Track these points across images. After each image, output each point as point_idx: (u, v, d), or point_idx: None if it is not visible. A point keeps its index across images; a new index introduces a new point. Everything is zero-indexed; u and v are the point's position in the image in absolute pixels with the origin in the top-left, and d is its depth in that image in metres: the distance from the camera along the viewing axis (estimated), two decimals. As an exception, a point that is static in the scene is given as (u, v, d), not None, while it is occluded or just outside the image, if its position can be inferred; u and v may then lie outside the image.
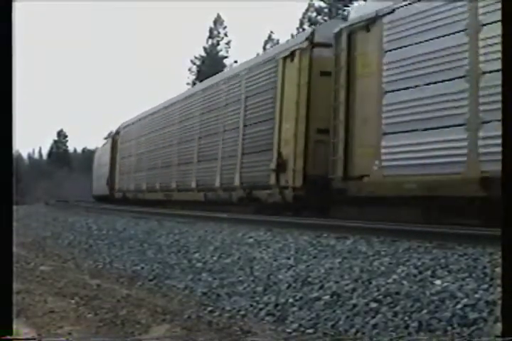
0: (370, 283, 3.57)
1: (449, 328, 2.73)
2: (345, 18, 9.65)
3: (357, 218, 7.53)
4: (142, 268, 5.53)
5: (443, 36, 6.61)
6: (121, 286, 4.90)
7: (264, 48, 40.28)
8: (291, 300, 3.64)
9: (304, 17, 36.80)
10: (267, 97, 9.98)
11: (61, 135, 66.28)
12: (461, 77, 6.37)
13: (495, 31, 5.63)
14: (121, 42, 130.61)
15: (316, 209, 8.73)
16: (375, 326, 2.99)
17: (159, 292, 4.55)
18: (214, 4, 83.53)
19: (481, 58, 6.10)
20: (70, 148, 69.27)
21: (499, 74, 2.16)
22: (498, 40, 3.77)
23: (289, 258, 4.67)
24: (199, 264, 5.17)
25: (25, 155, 70.00)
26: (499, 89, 2.21)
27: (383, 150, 7.20)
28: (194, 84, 37.87)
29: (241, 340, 3.13)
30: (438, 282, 3.32)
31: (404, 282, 3.45)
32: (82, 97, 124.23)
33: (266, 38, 42.97)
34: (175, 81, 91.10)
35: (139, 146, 17.57)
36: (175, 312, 3.77)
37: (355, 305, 3.28)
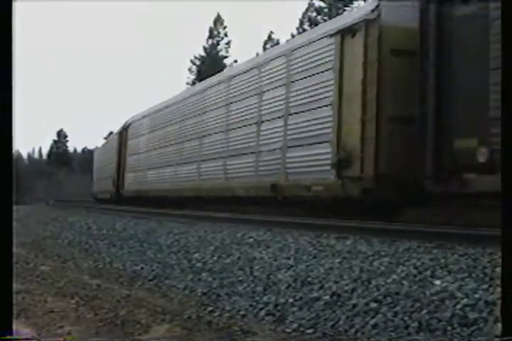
0: (370, 283, 3.57)
1: (449, 328, 2.73)
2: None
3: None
4: (142, 268, 5.53)
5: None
6: (121, 286, 4.90)
7: (264, 48, 40.26)
8: (290, 300, 3.64)
9: (303, 17, 36.78)
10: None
11: (61, 135, 66.23)
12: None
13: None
14: (121, 42, 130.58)
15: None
16: (374, 326, 2.99)
17: (159, 292, 4.55)
18: (214, 4, 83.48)
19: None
20: (70, 148, 69.30)
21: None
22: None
23: (288, 258, 4.67)
24: (199, 264, 5.16)
25: (25, 155, 69.98)
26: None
27: (126, 178, 18.42)
28: (194, 84, 37.84)
29: (241, 340, 3.13)
30: (438, 282, 3.32)
31: (404, 282, 3.45)
32: (82, 97, 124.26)
33: (266, 38, 42.97)
34: (175, 81, 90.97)
35: (99, 164, 26.23)
36: (175, 312, 3.77)
37: (354, 305, 3.28)
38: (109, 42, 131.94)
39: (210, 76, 14.65)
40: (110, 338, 3.28)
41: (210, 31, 44.75)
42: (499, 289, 2.82)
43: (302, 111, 8.69)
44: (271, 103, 9.66)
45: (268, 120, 9.71)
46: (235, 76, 11.48)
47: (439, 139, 6.45)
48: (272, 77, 9.70)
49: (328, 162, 7.89)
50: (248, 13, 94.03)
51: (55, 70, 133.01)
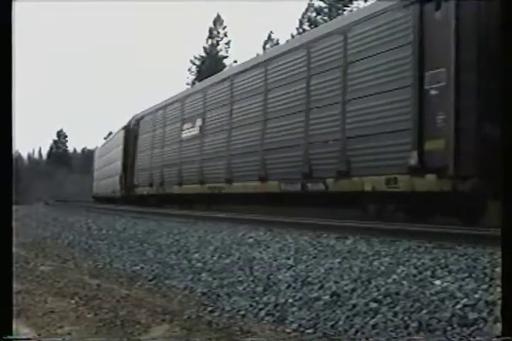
0: (370, 283, 3.58)
1: (449, 328, 2.73)
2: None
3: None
4: (142, 268, 5.53)
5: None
6: (120, 286, 4.90)
7: (264, 48, 40.27)
8: (290, 300, 3.64)
9: (303, 17, 36.78)
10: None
11: (61, 135, 66.26)
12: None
13: None
14: (121, 42, 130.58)
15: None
16: (374, 326, 2.99)
17: (159, 292, 4.55)
18: (214, 4, 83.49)
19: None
20: (70, 148, 69.36)
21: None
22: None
23: (288, 259, 4.67)
24: (199, 264, 5.16)
25: (25, 155, 69.98)
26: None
27: (93, 185, 29.75)
28: (194, 84, 37.88)
29: (241, 340, 3.13)
30: (438, 282, 3.32)
31: (404, 282, 3.45)
32: (82, 97, 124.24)
33: (266, 38, 42.97)
34: (175, 81, 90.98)
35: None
36: (174, 313, 3.77)
37: (354, 305, 3.28)
38: (109, 42, 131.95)
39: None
40: (110, 338, 3.28)
41: (210, 31, 44.75)
42: (499, 289, 2.82)
43: (115, 161, 20.99)
44: (109, 159, 23.19)
45: (109, 163, 22.84)
46: (104, 145, 27.09)
47: (130, 175, 18.11)
48: (111, 148, 22.84)
49: (118, 182, 19.89)
50: (248, 13, 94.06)
51: (55, 70, 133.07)
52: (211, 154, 12.01)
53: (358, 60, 7.88)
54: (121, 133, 20.12)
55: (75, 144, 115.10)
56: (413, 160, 6.73)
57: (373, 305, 3.21)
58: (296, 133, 9.05)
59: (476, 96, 6.26)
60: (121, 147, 19.78)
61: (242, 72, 11.28)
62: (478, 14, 6.34)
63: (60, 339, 3.24)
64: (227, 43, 44.89)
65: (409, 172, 6.81)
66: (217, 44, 44.78)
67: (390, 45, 7.37)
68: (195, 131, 12.75)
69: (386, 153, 7.23)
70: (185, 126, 13.39)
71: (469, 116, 6.29)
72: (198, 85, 15.11)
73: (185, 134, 13.36)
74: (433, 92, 6.63)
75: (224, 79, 12.08)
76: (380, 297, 3.29)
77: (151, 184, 15.78)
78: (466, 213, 6.66)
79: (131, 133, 18.59)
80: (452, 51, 6.40)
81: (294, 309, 3.50)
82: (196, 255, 5.59)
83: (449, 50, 6.42)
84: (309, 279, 3.94)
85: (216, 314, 3.70)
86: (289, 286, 3.90)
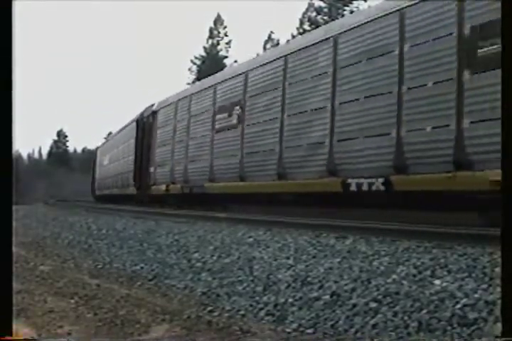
0: (370, 282, 3.58)
1: (449, 328, 2.73)
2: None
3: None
4: (142, 267, 5.53)
5: None
6: (120, 286, 4.90)
7: (265, 48, 40.29)
8: (290, 299, 3.64)
9: (303, 17, 36.79)
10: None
11: (61, 135, 66.25)
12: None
13: None
14: (121, 41, 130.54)
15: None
16: (374, 326, 2.99)
17: (159, 292, 4.55)
18: (214, 4, 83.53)
19: None
20: (70, 148, 69.33)
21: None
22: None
23: (288, 258, 4.67)
24: (199, 264, 5.17)
25: (25, 155, 69.88)
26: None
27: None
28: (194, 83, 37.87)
29: (241, 340, 3.13)
30: (437, 282, 3.32)
31: (404, 282, 3.45)
32: (82, 97, 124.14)
33: (266, 38, 42.98)
34: (175, 81, 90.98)
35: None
36: (174, 312, 3.77)
37: (354, 305, 3.28)
38: (109, 42, 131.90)
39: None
40: (110, 338, 3.28)
41: (210, 31, 44.74)
42: (499, 289, 2.82)
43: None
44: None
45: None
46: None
47: (94, 183, 28.93)
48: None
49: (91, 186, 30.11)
50: (248, 13, 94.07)
51: (55, 70, 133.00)
52: (111, 173, 22.21)
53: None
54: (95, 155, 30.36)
55: (75, 144, 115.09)
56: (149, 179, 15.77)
57: (373, 304, 3.21)
58: (126, 167, 18.97)
59: (140, 160, 16.68)
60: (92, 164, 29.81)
61: (118, 132, 22.65)
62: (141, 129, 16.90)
63: (60, 339, 3.24)
64: (228, 43, 44.91)
65: (152, 185, 15.46)
66: (218, 44, 44.77)
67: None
68: (107, 160, 23.87)
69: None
70: (106, 157, 24.37)
71: (141, 166, 16.43)
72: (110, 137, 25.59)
73: (105, 162, 24.63)
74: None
75: (114, 136, 24.32)
76: (379, 297, 3.29)
77: (99, 188, 26.33)
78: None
79: (95, 155, 29.28)
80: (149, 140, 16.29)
81: (294, 309, 3.50)
82: (196, 255, 5.59)
83: (152, 138, 15.88)
84: (309, 279, 3.94)
85: (216, 314, 3.70)
86: (288, 286, 3.91)
